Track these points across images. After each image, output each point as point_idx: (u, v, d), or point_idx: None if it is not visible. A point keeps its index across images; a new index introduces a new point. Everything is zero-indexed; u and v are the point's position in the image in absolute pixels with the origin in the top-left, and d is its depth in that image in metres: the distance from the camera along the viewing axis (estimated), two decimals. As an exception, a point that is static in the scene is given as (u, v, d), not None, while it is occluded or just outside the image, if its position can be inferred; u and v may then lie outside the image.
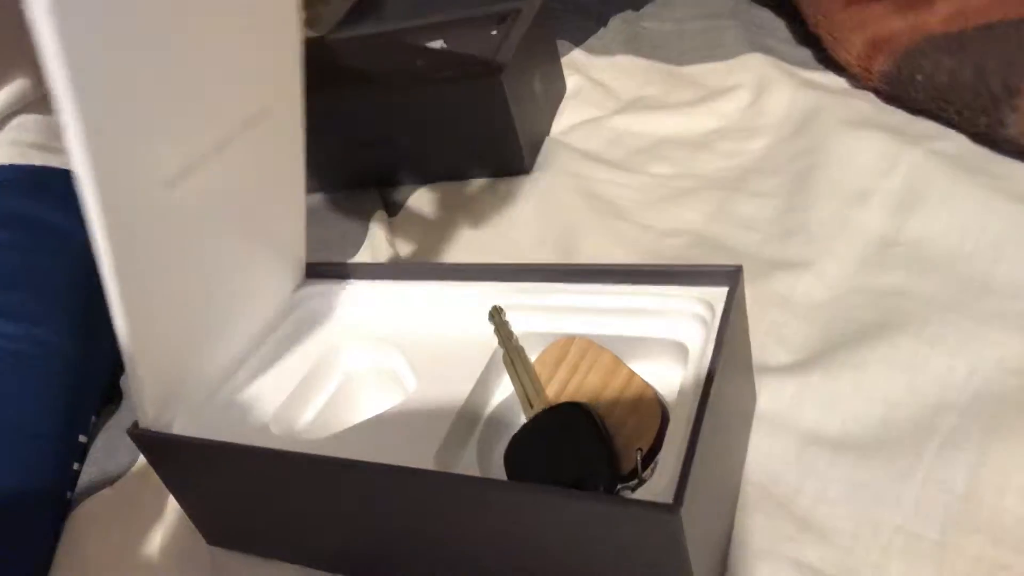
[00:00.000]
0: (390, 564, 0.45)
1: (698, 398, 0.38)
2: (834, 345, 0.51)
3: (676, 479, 0.34)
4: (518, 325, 0.48)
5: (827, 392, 0.48)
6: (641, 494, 0.36)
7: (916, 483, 0.42)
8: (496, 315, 0.49)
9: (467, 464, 0.43)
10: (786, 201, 0.64)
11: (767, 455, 0.46)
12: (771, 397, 0.49)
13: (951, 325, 0.49)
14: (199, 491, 0.49)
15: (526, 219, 0.72)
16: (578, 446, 0.41)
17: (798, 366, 0.50)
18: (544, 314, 0.48)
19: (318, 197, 0.86)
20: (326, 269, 0.56)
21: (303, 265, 0.56)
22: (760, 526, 0.42)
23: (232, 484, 0.47)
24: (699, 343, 0.43)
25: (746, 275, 0.58)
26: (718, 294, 0.44)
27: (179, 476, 0.49)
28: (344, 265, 0.55)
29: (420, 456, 0.42)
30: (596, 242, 0.65)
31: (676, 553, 0.34)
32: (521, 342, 0.48)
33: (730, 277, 0.44)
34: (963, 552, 0.39)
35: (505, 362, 0.47)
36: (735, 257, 0.60)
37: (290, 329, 0.53)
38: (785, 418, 0.47)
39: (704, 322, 0.44)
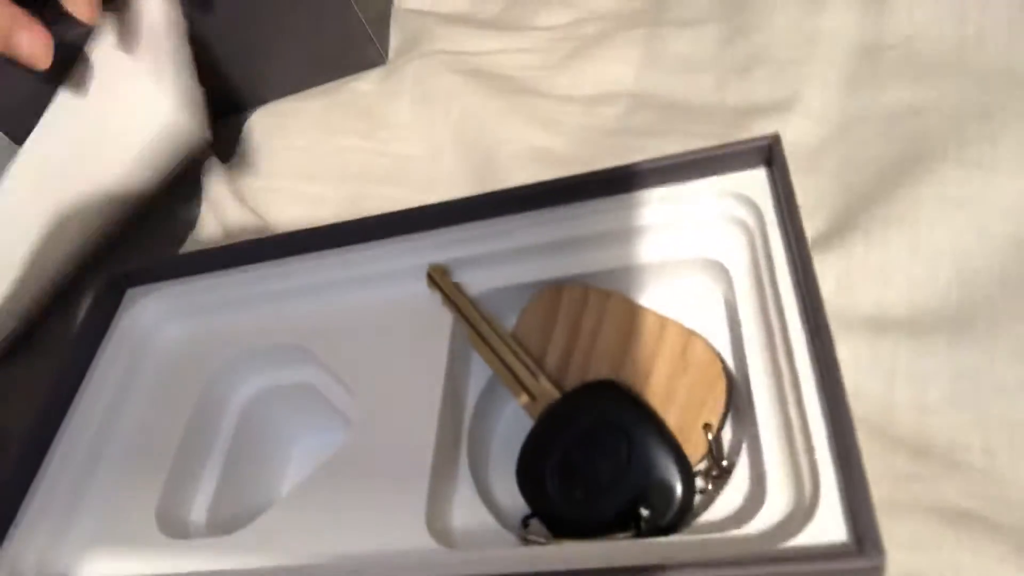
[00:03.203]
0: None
1: (786, 337, 0.26)
2: (862, 199, 0.40)
3: (837, 488, 0.23)
4: (473, 285, 0.34)
5: (878, 263, 0.37)
6: (751, 505, 0.24)
7: (1038, 354, 0.33)
8: (438, 278, 0.34)
9: (468, 510, 0.30)
10: (726, 25, 0.51)
11: (835, 366, 0.35)
12: (811, 287, 0.37)
13: (997, 134, 0.39)
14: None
15: (405, 124, 0.56)
16: (624, 443, 0.29)
17: (830, 239, 0.39)
18: (506, 261, 0.34)
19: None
20: (158, 267, 0.38)
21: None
22: (870, 469, 0.32)
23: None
24: (743, 256, 0.31)
25: (716, 133, 0.46)
26: (750, 180, 0.31)
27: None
28: (186, 257, 0.38)
29: (407, 523, 0.28)
30: (511, 133, 0.50)
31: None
32: (486, 307, 0.34)
33: (764, 153, 0.31)
34: None
35: (473, 341, 0.33)
36: (693, 113, 0.47)
37: (129, 367, 0.37)
38: (838, 311, 0.36)
39: (741, 224, 0.31)
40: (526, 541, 0.28)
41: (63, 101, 0.57)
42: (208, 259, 0.38)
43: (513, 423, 0.32)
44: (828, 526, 0.22)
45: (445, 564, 0.26)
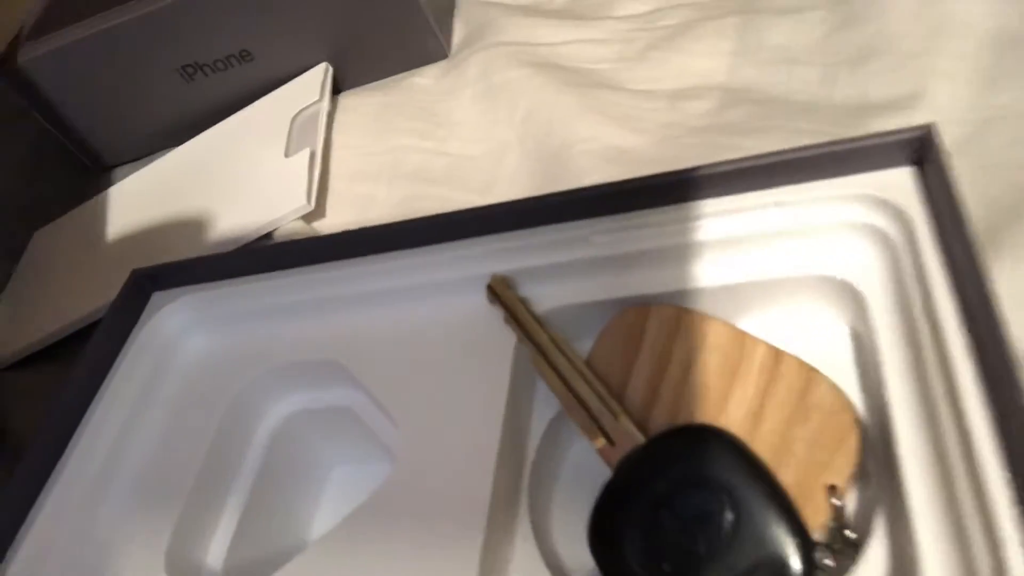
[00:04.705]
0: None
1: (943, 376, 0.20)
2: (1006, 213, 0.33)
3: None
4: (542, 301, 0.29)
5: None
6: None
7: None
8: (500, 290, 0.29)
9: (529, 575, 0.25)
10: (833, 11, 0.45)
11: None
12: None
13: None
14: None
15: (466, 122, 0.51)
16: (726, 505, 0.23)
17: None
18: (582, 274, 0.29)
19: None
20: (187, 269, 0.34)
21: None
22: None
23: None
24: (881, 275, 0.25)
25: (823, 131, 0.40)
26: (891, 182, 0.25)
27: None
28: (219, 259, 0.34)
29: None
30: (584, 131, 0.45)
31: None
32: (556, 328, 0.28)
33: (911, 148, 0.25)
34: None
35: (539, 368, 0.28)
36: (795, 109, 0.41)
37: (148, 381, 0.33)
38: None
39: (878, 236, 0.25)
40: (600, 623, 0.23)
41: (212, 144, 0.59)
42: (242, 261, 0.33)
43: (585, 470, 0.27)
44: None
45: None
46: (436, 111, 0.53)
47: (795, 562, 0.22)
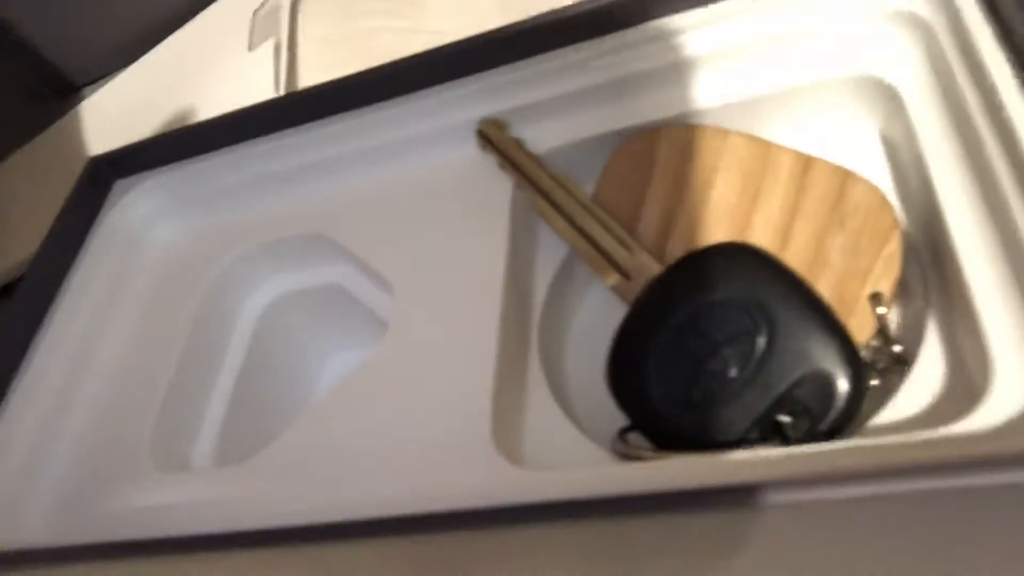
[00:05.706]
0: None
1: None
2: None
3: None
4: (539, 141, 0.26)
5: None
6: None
7: None
8: (492, 134, 0.27)
9: (545, 419, 0.23)
10: None
11: None
12: None
13: None
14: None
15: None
16: (761, 323, 0.21)
17: None
18: (581, 106, 0.26)
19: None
20: (149, 150, 0.31)
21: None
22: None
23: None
24: (921, 69, 0.22)
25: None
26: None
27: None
28: (183, 133, 0.31)
29: (467, 436, 0.21)
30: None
31: None
32: (555, 167, 0.26)
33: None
34: None
35: (541, 211, 0.25)
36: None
37: (117, 273, 0.30)
38: None
39: (913, 22, 0.22)
40: (625, 456, 0.21)
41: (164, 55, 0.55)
42: (209, 134, 0.30)
43: (600, 317, 0.25)
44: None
45: (521, 486, 0.19)
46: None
47: (843, 380, 0.20)
